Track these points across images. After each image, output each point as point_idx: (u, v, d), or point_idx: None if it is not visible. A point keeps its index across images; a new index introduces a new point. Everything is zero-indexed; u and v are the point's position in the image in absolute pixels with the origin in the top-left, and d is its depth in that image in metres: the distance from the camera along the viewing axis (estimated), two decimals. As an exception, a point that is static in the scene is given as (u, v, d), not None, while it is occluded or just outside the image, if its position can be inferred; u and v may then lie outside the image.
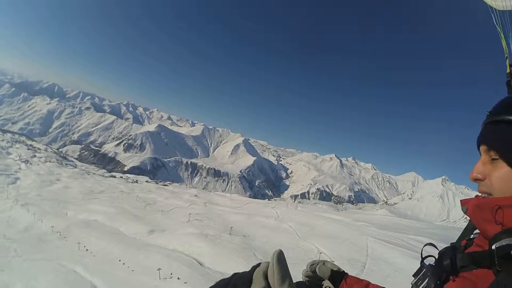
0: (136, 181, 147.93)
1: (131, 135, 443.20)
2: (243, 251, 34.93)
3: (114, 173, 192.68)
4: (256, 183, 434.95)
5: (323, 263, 2.41)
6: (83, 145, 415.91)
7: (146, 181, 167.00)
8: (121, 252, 36.52)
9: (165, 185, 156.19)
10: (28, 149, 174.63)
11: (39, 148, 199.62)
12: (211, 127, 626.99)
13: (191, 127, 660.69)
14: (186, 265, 30.98)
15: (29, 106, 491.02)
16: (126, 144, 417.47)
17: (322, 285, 2.41)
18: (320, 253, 35.24)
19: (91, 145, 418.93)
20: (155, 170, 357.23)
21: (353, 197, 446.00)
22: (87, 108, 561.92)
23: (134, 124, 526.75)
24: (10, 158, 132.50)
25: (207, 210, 67.50)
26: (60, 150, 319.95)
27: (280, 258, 1.21)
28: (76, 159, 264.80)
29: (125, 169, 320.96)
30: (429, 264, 1.70)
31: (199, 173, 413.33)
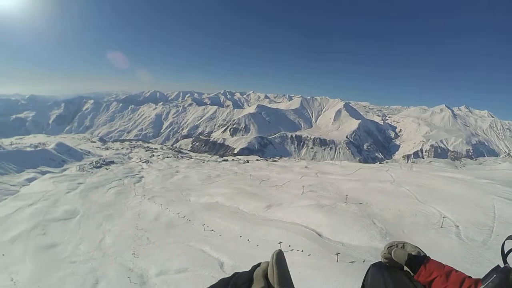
0: (247, 161, 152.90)
1: (234, 120, 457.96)
2: (361, 219, 34.27)
3: (226, 157, 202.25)
4: (365, 147, 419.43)
5: (402, 246, 2.29)
6: (193, 138, 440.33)
7: (256, 160, 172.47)
8: (242, 229, 38.55)
9: (275, 161, 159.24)
10: (146, 150, 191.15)
11: (155, 148, 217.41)
12: (308, 97, 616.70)
13: (289, 101, 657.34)
14: (306, 237, 31.41)
15: (138, 115, 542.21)
16: (232, 129, 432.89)
17: (403, 267, 2.25)
18: (444, 217, 32.96)
19: (200, 136, 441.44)
20: (263, 148, 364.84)
21: (472, 151, 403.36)
22: (190, 105, 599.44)
23: (235, 110, 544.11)
24: (132, 161, 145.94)
25: (319, 180, 67.20)
26: (174, 146, 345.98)
27: (280, 258, 1.21)
28: (189, 151, 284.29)
29: (235, 151, 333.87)
30: (505, 267, 1.41)
31: (305, 145, 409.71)
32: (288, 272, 1.21)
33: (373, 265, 2.38)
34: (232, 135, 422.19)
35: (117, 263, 36.35)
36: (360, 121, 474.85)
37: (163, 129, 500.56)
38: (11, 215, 64.09)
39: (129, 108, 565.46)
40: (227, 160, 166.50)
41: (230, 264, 29.76)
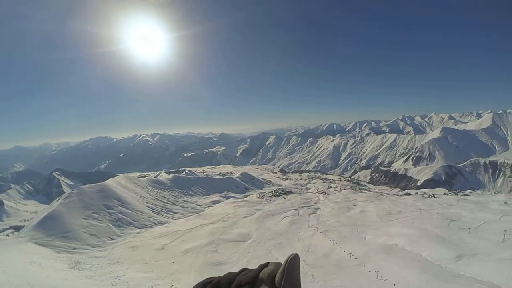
0: (433, 195, 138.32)
1: (416, 147, 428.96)
2: None
3: (408, 190, 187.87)
4: None
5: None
6: (372, 169, 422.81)
7: (444, 194, 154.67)
8: (424, 284, 32.97)
9: (466, 195, 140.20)
10: (324, 182, 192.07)
11: (333, 179, 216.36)
12: (500, 111, 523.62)
13: (478, 119, 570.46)
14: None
15: (317, 147, 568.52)
16: (414, 158, 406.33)
17: None
18: None
19: (380, 167, 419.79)
20: (450, 179, 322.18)
21: None
22: (367, 134, 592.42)
23: (416, 136, 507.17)
24: (309, 192, 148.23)
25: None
26: (352, 177, 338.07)
27: (293, 264, 1.12)
28: (368, 182, 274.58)
29: (419, 184, 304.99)
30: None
31: (501, 173, 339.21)
32: (299, 280, 1.12)
33: None
34: (414, 164, 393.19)
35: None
36: None
37: (341, 161, 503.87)
38: (191, 230, 73.43)
39: (308, 141, 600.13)
40: (409, 194, 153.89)
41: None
